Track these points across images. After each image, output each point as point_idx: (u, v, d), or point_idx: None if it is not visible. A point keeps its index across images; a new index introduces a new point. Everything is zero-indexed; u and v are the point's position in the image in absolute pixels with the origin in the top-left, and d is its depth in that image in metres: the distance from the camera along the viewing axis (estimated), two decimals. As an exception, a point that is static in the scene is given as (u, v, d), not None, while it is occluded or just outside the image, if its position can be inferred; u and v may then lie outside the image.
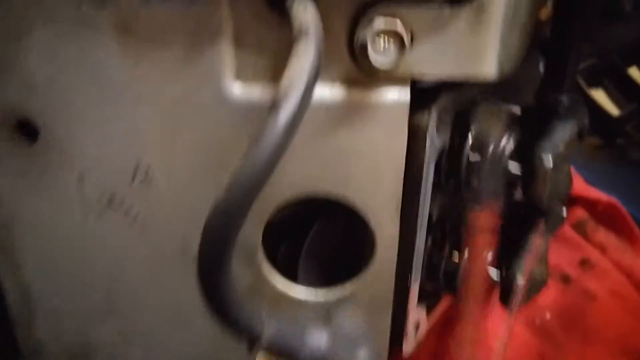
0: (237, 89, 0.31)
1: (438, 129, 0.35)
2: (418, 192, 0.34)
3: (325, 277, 0.40)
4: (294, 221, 0.42)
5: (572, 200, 0.77)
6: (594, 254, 0.68)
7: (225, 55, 0.31)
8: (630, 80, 1.20)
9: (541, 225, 0.44)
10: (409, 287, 0.38)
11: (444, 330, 0.55)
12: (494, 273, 0.41)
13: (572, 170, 0.82)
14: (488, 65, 0.32)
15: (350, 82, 0.32)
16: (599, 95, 1.25)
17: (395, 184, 0.34)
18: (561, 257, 0.69)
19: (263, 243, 0.37)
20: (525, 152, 0.38)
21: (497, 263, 0.41)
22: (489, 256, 0.41)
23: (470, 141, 0.37)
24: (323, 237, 0.42)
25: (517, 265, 0.40)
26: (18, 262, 0.37)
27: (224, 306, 0.26)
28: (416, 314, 0.40)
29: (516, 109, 0.42)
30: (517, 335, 0.58)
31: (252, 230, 0.35)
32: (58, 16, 0.30)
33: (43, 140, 0.33)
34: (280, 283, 0.37)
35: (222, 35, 0.30)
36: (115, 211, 0.35)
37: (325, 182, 0.34)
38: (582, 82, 1.25)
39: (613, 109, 1.20)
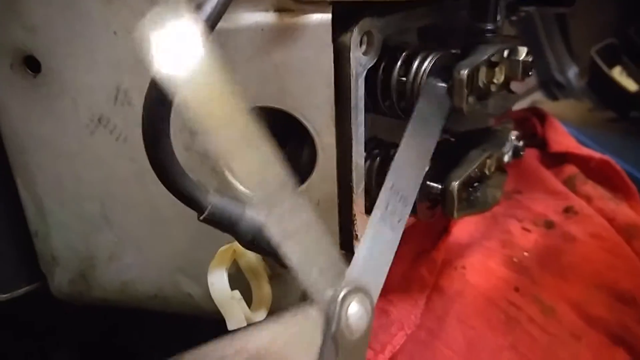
0: (192, 20, 0.39)
1: (366, 50, 0.41)
2: (349, 103, 0.41)
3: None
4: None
5: (564, 158, 0.80)
6: (578, 203, 0.71)
7: (181, -9, 0.38)
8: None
9: (481, 145, 0.49)
10: (352, 198, 0.44)
11: (415, 259, 0.60)
12: (434, 185, 0.46)
13: (572, 135, 0.86)
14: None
15: (282, 9, 0.39)
16: (617, 73, 1.26)
17: (328, 95, 0.40)
18: (547, 207, 0.72)
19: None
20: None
21: (438, 178, 0.46)
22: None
23: (399, 64, 0.43)
24: (290, 160, 0.49)
25: (454, 174, 0.45)
26: (32, 180, 0.46)
27: (167, 172, 0.33)
28: (365, 222, 0.45)
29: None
30: (493, 272, 0.62)
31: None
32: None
33: (44, 72, 0.42)
34: (241, 187, 0.44)
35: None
36: (104, 130, 0.43)
37: (267, 95, 0.40)
38: (600, 61, 1.27)
39: (631, 85, 1.22)
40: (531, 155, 0.81)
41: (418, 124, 0.41)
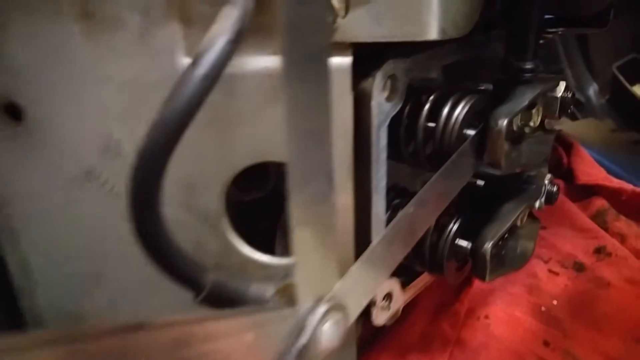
0: (189, 64, 0.34)
1: (390, 96, 0.36)
2: (369, 156, 0.36)
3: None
4: (272, 200, 0.45)
5: (591, 190, 0.75)
6: (611, 243, 0.66)
7: (176, 34, 0.33)
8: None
9: (516, 196, 0.44)
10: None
11: (436, 313, 0.55)
12: (464, 245, 0.41)
13: (594, 159, 0.80)
14: (427, 25, 0.33)
15: (293, 52, 0.34)
16: (640, 90, 1.21)
17: (344, 149, 0.35)
18: (576, 247, 0.67)
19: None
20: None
21: (467, 233, 0.41)
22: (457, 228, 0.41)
23: (426, 108, 0.38)
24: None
25: (486, 233, 0.40)
26: (16, 237, 0.42)
27: (159, 250, 0.29)
28: (386, 285, 0.41)
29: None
30: (519, 322, 0.57)
31: (213, 198, 0.37)
32: (31, 7, 0.34)
33: (27, 121, 0.37)
34: (245, 249, 0.39)
35: (172, 16, 0.33)
36: (93, 184, 0.38)
37: (275, 149, 0.35)
38: (621, 78, 1.22)
39: (654, 103, 1.16)
40: (556, 187, 0.76)
41: (444, 172, 0.36)
